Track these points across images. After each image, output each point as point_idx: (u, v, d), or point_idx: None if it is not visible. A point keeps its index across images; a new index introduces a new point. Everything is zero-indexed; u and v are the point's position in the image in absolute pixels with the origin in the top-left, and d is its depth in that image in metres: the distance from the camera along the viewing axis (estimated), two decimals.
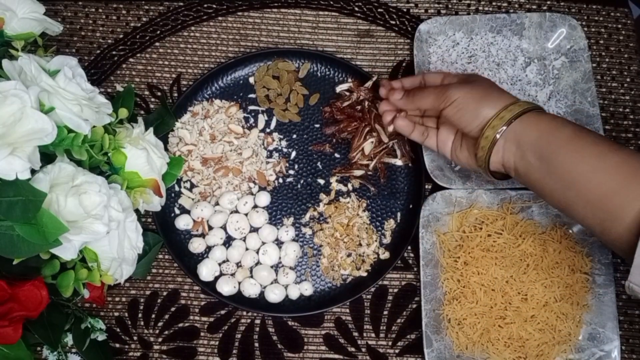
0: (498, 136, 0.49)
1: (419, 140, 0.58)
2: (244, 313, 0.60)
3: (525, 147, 0.49)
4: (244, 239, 0.62)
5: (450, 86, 0.53)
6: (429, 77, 0.59)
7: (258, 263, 0.61)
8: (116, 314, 0.60)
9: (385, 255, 0.61)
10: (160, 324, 0.60)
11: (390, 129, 0.58)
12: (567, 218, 0.60)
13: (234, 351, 0.59)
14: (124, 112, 0.54)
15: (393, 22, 0.70)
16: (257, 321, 0.60)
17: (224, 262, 0.61)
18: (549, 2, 0.71)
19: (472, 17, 0.67)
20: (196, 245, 0.61)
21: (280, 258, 0.61)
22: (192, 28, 0.69)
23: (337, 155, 0.65)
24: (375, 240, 0.62)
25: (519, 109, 0.49)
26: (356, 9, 0.70)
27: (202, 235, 0.62)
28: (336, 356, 0.59)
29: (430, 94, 0.54)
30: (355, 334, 0.60)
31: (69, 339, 0.55)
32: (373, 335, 0.60)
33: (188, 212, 0.62)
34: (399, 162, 0.64)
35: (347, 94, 0.65)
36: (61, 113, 0.47)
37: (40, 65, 0.49)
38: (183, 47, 0.68)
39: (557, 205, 0.49)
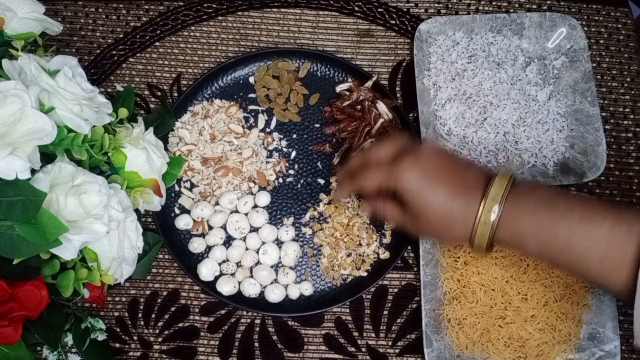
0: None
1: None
2: (244, 313, 0.60)
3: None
4: (244, 239, 0.62)
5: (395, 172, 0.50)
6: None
7: (258, 263, 0.61)
8: (116, 313, 0.60)
9: (385, 255, 0.61)
10: (160, 323, 0.60)
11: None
12: None
13: (234, 351, 0.59)
14: (124, 112, 0.54)
15: (393, 22, 0.70)
16: (257, 321, 0.60)
17: (224, 262, 0.61)
18: (549, 2, 0.71)
19: (472, 17, 0.67)
20: (196, 245, 0.61)
21: (280, 258, 0.61)
22: (192, 28, 0.69)
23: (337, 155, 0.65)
24: (375, 240, 0.62)
25: (476, 206, 0.48)
26: (356, 8, 0.70)
27: (202, 235, 0.62)
28: (336, 356, 0.59)
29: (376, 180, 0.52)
30: (355, 334, 0.60)
31: (69, 339, 0.55)
32: (373, 335, 0.60)
33: (188, 212, 0.62)
34: None
35: (347, 93, 0.65)
36: (61, 113, 0.47)
37: (40, 65, 0.49)
38: (183, 47, 0.68)
39: None
